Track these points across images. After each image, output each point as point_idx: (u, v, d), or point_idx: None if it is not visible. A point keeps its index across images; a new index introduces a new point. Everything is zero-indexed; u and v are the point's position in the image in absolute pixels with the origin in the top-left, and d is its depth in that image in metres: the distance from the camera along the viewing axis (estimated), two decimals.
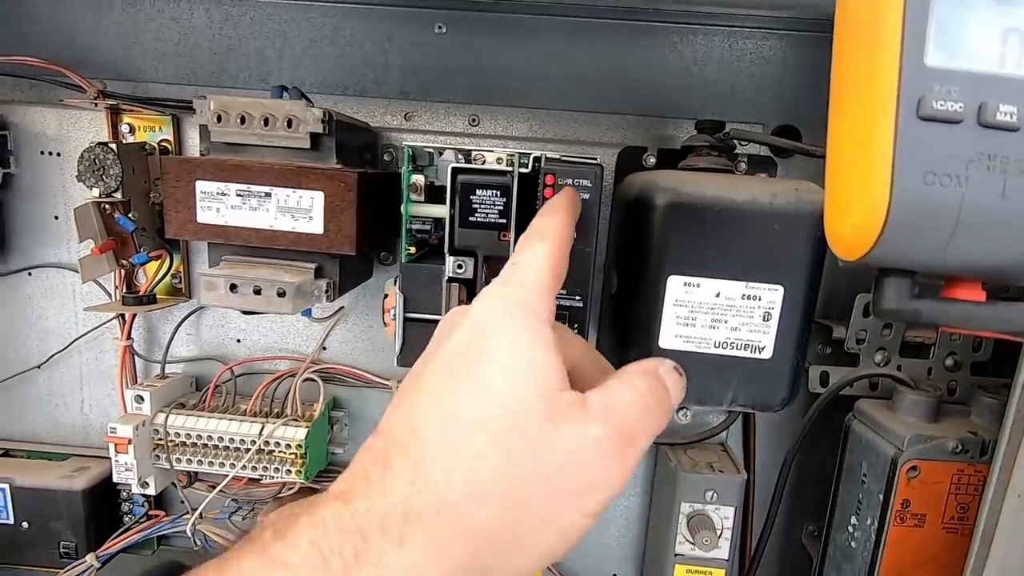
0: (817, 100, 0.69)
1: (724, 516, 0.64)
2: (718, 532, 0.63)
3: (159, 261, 0.67)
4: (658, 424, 0.25)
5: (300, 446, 0.64)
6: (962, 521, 0.55)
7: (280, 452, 0.65)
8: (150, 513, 0.73)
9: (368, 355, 0.72)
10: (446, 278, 0.46)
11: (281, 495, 0.71)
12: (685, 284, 0.50)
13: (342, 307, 0.70)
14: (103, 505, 0.71)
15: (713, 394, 0.52)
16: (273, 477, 0.65)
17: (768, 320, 0.50)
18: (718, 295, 0.50)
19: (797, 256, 0.49)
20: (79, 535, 0.70)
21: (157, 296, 0.68)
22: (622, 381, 0.25)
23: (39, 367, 0.74)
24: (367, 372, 0.71)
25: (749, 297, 0.50)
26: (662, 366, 0.27)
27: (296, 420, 0.66)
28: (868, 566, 0.58)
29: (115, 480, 0.64)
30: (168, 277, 0.69)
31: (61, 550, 0.70)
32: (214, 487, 0.72)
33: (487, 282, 0.47)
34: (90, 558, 0.64)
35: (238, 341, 0.73)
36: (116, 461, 0.64)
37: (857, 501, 0.60)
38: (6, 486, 0.69)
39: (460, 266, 0.46)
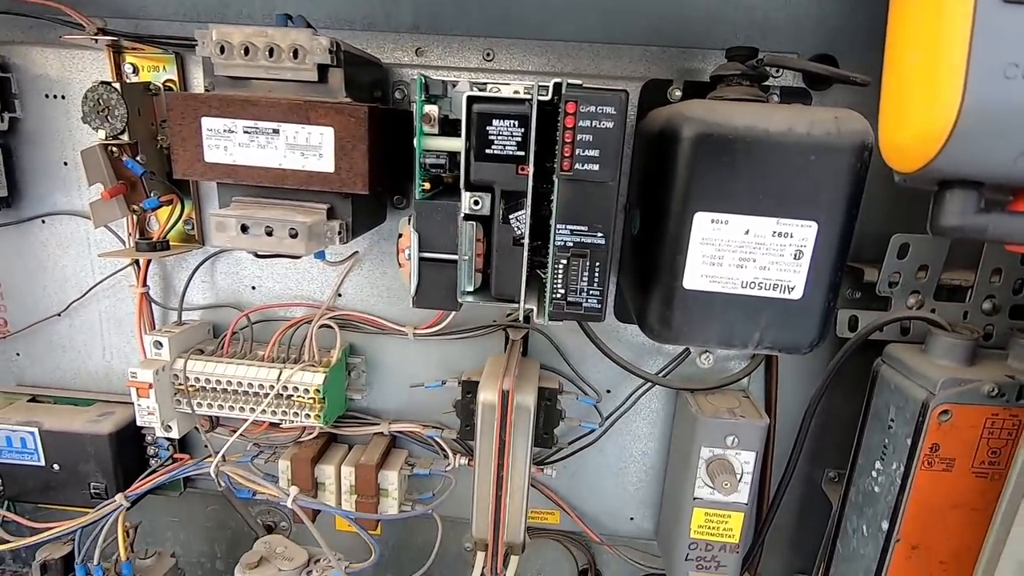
0: (854, 28, 0.64)
1: (744, 461, 0.63)
2: (738, 476, 0.62)
3: (171, 207, 0.66)
4: None
5: (318, 391, 0.64)
6: (993, 466, 0.54)
7: (298, 397, 0.65)
8: (175, 456, 0.74)
9: (384, 301, 0.71)
10: (462, 215, 0.45)
11: (301, 440, 0.72)
12: (712, 221, 0.47)
13: (356, 252, 0.69)
14: (129, 448, 0.73)
15: (739, 336, 0.50)
16: (292, 421, 0.66)
17: (799, 259, 0.48)
18: (747, 232, 0.47)
19: (834, 190, 0.46)
20: (108, 477, 0.71)
21: (170, 243, 0.67)
22: None
23: (59, 315, 0.74)
24: (383, 319, 0.71)
25: (780, 234, 0.47)
26: None
27: (313, 366, 0.66)
28: (891, 510, 0.57)
29: (139, 424, 0.65)
30: (180, 223, 0.68)
31: (92, 491, 0.72)
32: (235, 431, 0.74)
33: (504, 220, 0.45)
34: (119, 498, 0.66)
35: (253, 288, 0.72)
36: (139, 405, 0.65)
37: (883, 446, 0.59)
38: (35, 430, 0.70)
39: (476, 202, 0.44)
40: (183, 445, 0.77)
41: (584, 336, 0.65)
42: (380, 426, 0.73)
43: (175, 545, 0.90)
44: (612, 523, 0.77)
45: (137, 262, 0.68)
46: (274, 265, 0.71)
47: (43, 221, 0.72)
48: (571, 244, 0.44)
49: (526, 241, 0.44)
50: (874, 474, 0.60)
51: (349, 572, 0.64)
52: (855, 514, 0.64)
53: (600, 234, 0.44)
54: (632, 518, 0.77)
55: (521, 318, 0.47)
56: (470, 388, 0.63)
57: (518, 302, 0.47)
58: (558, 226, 0.44)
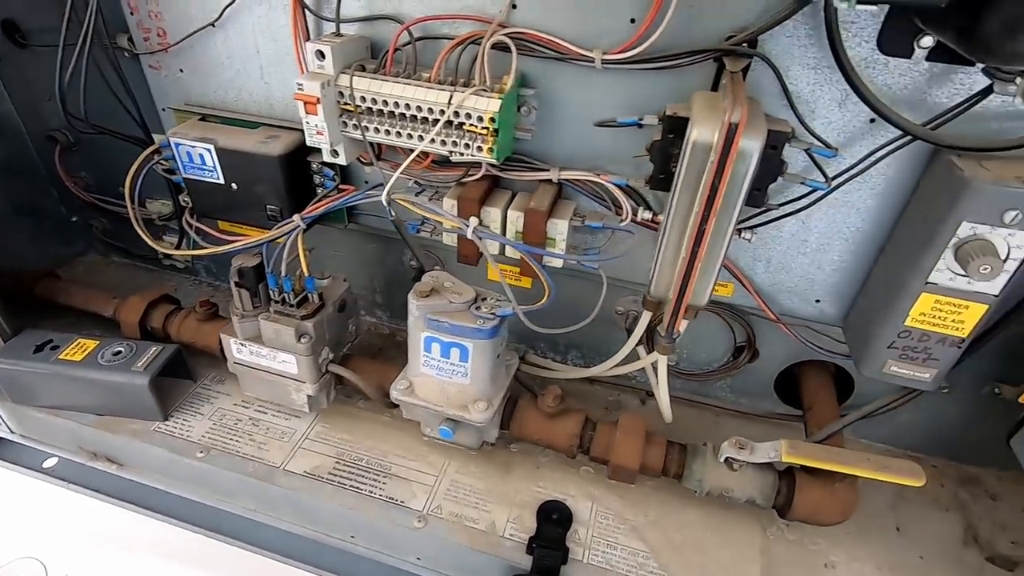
0: None
1: (1017, 245, 0.50)
2: (1003, 259, 0.50)
3: None
4: None
5: (493, 120, 0.56)
6: None
7: (471, 126, 0.58)
8: (340, 187, 0.73)
9: (571, 15, 0.58)
10: None
11: (464, 180, 0.67)
12: None
13: None
14: (297, 174, 0.72)
15: None
16: (463, 155, 0.59)
17: None
18: None
19: None
20: (281, 200, 0.72)
21: None
22: None
23: (214, 25, 0.69)
24: (566, 40, 0.58)
25: None
26: None
27: (486, 90, 0.57)
28: None
29: (308, 143, 0.63)
30: None
31: (268, 212, 0.74)
32: (398, 167, 0.70)
33: None
34: (296, 218, 0.67)
35: None
36: (307, 123, 0.61)
37: None
38: (211, 147, 0.70)
39: None
40: (345, 178, 0.75)
41: (817, 77, 0.50)
42: (550, 172, 0.66)
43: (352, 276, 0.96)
44: (793, 304, 0.69)
45: None
46: None
47: None
48: None
49: None
50: None
51: (522, 309, 0.63)
52: None
53: None
54: (819, 301, 0.68)
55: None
56: (675, 126, 0.52)
57: None
58: None
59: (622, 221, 0.65)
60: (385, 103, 0.59)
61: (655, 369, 0.71)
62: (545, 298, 0.62)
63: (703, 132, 0.47)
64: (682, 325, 0.68)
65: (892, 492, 0.78)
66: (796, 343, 0.72)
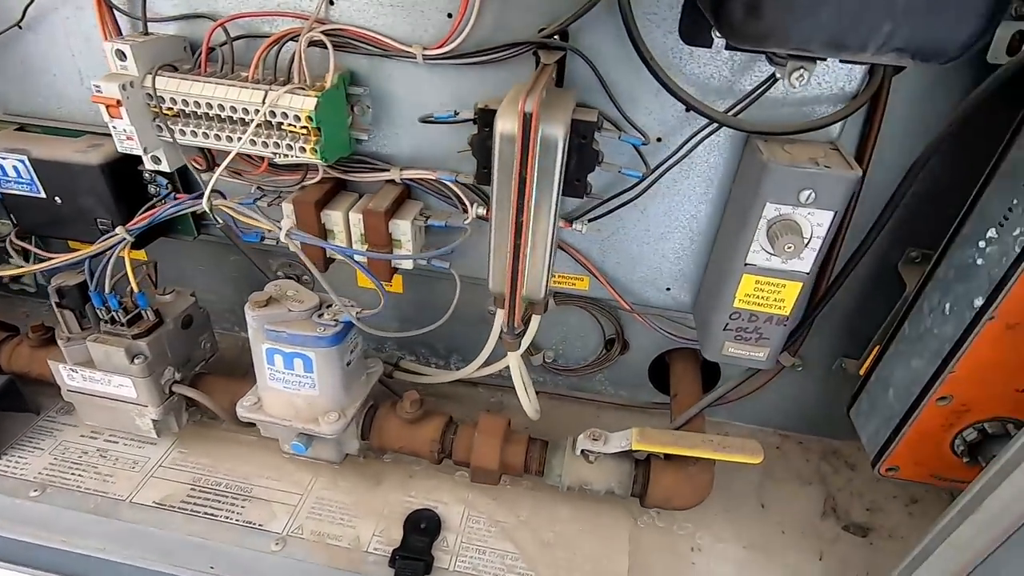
0: None
1: (817, 223, 0.52)
2: (805, 240, 0.52)
3: None
4: None
5: (310, 118, 0.54)
6: None
7: (289, 125, 0.55)
8: (178, 197, 0.69)
9: (388, 12, 0.57)
10: None
11: (305, 183, 0.64)
12: None
13: None
14: (127, 184, 0.68)
15: (862, 26, 0.35)
16: (286, 156, 0.57)
17: None
18: None
19: None
20: (111, 213, 0.68)
21: None
22: None
23: (20, 27, 0.64)
24: (386, 36, 0.57)
25: None
26: None
27: (303, 88, 0.55)
28: (994, 284, 0.46)
29: (119, 149, 0.59)
30: None
31: (99, 226, 0.69)
32: (238, 173, 0.67)
33: None
34: (120, 230, 0.62)
35: None
36: (113, 128, 0.57)
37: (1007, 208, 0.46)
38: (24, 157, 0.65)
39: None
40: (186, 187, 0.71)
41: (634, 68, 0.51)
42: (391, 172, 0.64)
43: (207, 293, 0.91)
44: (646, 293, 0.70)
45: None
46: None
47: None
48: None
49: None
50: (982, 244, 0.49)
51: (360, 317, 0.60)
52: (938, 292, 0.54)
53: None
54: (669, 288, 0.70)
55: None
56: (487, 119, 0.52)
57: None
58: None
59: (467, 220, 0.64)
60: (197, 104, 0.56)
61: (519, 368, 0.71)
62: (380, 303, 0.60)
63: (506, 123, 0.47)
64: (534, 321, 0.68)
65: (759, 472, 0.80)
66: (656, 332, 0.73)
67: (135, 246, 0.68)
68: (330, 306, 0.63)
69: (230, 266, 0.87)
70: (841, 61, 0.50)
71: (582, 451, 0.65)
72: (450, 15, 0.56)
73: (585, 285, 0.72)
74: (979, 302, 0.48)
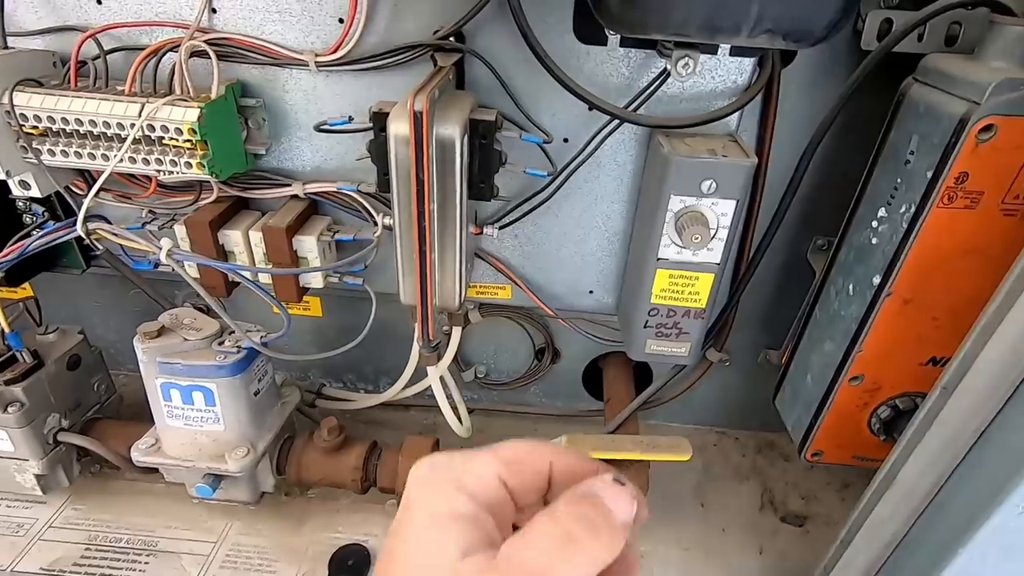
0: None
1: (722, 212, 0.52)
2: (712, 230, 0.52)
3: None
4: (590, 550, 0.21)
5: (193, 131, 0.50)
6: None
7: (171, 139, 0.51)
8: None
9: (274, 19, 0.54)
10: None
11: (199, 203, 0.60)
12: None
13: None
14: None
15: (731, 11, 0.36)
16: (171, 172, 0.53)
17: None
18: None
19: None
20: None
21: None
22: (542, 517, 0.22)
23: None
24: (274, 43, 0.54)
25: None
26: (598, 483, 0.23)
27: (185, 100, 0.51)
28: (888, 261, 0.48)
29: None
30: None
31: None
32: (126, 197, 0.62)
33: None
34: None
35: (99, 2, 0.55)
36: None
37: (893, 188, 0.48)
38: None
39: None
40: (69, 214, 0.65)
41: (536, 69, 0.50)
42: (293, 187, 0.61)
43: (107, 331, 0.84)
44: (569, 297, 0.69)
45: None
46: None
47: None
48: None
49: None
50: (875, 224, 0.50)
51: (264, 342, 0.56)
52: (842, 275, 0.55)
53: None
54: (591, 291, 0.69)
55: None
56: (382, 122, 0.50)
57: None
58: None
59: (376, 231, 0.61)
60: (65, 121, 0.51)
61: (446, 385, 0.68)
62: (283, 328, 0.56)
63: (398, 125, 0.45)
64: (455, 334, 0.65)
65: (698, 471, 0.80)
66: (584, 337, 0.72)
67: (10, 282, 0.62)
68: (232, 332, 0.59)
69: (130, 300, 0.80)
70: (724, 46, 0.50)
71: None
72: (341, 20, 0.54)
73: (508, 294, 0.70)
74: (877, 280, 0.49)
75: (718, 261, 0.55)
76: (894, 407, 0.55)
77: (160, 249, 0.51)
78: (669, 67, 0.45)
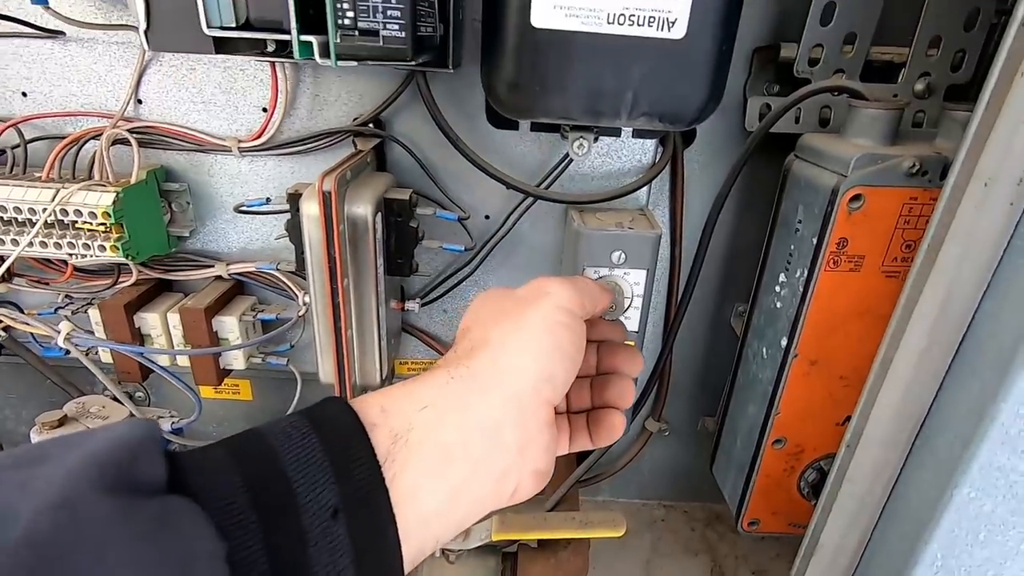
0: None
1: (635, 282, 0.54)
2: (627, 299, 0.54)
3: None
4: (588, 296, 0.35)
5: (108, 214, 0.51)
6: (906, 262, 0.46)
7: (85, 223, 0.51)
8: None
9: (198, 108, 0.56)
10: None
11: (117, 286, 0.59)
12: None
13: (133, 27, 0.52)
14: None
15: (607, 96, 0.39)
16: (85, 256, 0.52)
17: None
18: None
19: None
20: None
21: None
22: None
23: None
24: (199, 131, 0.56)
25: None
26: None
27: (103, 185, 0.52)
28: (791, 323, 0.50)
29: None
30: None
31: None
32: (43, 282, 0.60)
33: None
34: None
35: (23, 95, 0.56)
36: None
37: (788, 254, 0.51)
38: None
39: None
40: None
41: (455, 151, 0.53)
42: (216, 268, 0.61)
43: (18, 424, 0.79)
44: None
45: None
46: (46, 60, 0.55)
47: None
48: None
49: None
50: (777, 288, 0.52)
51: (175, 427, 0.54)
52: (756, 338, 0.57)
53: None
54: None
55: (296, 54, 0.33)
56: (297, 203, 0.51)
57: (289, 32, 0.33)
58: None
59: (300, 310, 0.61)
60: None
61: None
62: (194, 413, 0.54)
63: (309, 205, 0.46)
64: None
65: (647, 548, 0.77)
66: None
67: None
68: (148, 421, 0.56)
69: (49, 390, 0.76)
70: (627, 129, 0.54)
71: (442, 550, 0.59)
72: (264, 109, 0.56)
73: None
74: (784, 342, 0.51)
75: (636, 329, 0.56)
76: (819, 470, 0.56)
77: (58, 333, 0.49)
78: (567, 148, 0.48)
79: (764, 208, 0.57)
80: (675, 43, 0.37)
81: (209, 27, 0.33)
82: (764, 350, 0.55)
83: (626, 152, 0.57)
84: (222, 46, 0.36)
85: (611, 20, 0.36)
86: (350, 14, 0.32)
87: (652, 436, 0.74)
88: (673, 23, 0.36)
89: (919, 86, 0.51)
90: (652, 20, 0.36)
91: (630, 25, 0.36)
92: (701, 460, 0.81)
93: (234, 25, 0.34)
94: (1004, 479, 0.34)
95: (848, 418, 0.52)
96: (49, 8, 0.49)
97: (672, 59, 0.37)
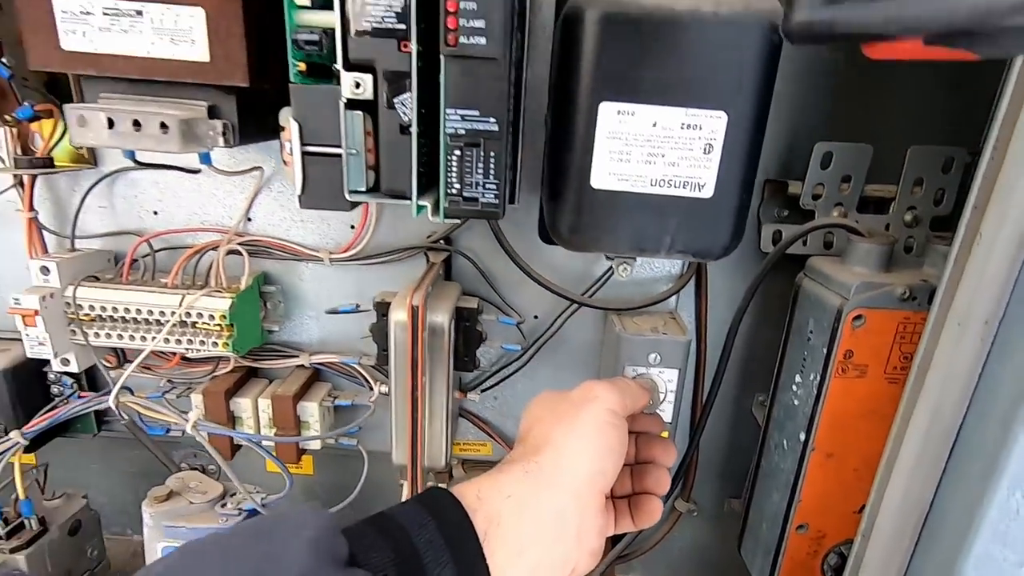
0: None
1: (668, 379, 0.62)
2: (662, 395, 0.62)
3: (52, 121, 0.60)
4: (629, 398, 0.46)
5: (224, 316, 0.60)
6: (904, 371, 0.54)
7: (204, 324, 0.61)
8: (81, 395, 0.70)
9: (297, 225, 0.67)
10: (343, 101, 0.41)
11: (216, 374, 0.68)
12: (619, 112, 0.45)
13: (259, 168, 0.64)
14: (29, 386, 0.68)
15: (650, 239, 0.48)
16: (199, 351, 0.62)
17: (709, 153, 0.46)
18: (655, 125, 0.45)
19: (743, 76, 0.43)
20: (7, 417, 0.67)
21: (55, 160, 0.62)
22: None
23: None
24: (296, 244, 0.67)
25: (689, 127, 0.45)
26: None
27: (220, 291, 0.62)
28: (808, 420, 0.57)
29: (28, 355, 0.61)
30: (67, 141, 0.63)
31: None
32: (149, 368, 0.70)
33: (389, 105, 0.41)
34: (15, 434, 0.62)
35: (155, 213, 0.68)
36: (26, 335, 0.60)
37: (802, 359, 0.59)
38: None
39: (358, 84, 0.40)
40: (93, 385, 0.72)
41: (511, 262, 0.63)
42: (300, 358, 0.70)
43: (100, 494, 0.86)
44: None
45: (21, 183, 0.63)
46: (176, 187, 0.66)
47: None
48: (463, 131, 0.41)
49: (414, 128, 0.41)
50: (794, 388, 0.60)
51: (264, 503, 0.61)
52: (777, 430, 0.64)
53: (492, 119, 0.41)
54: None
55: (414, 213, 0.44)
56: (384, 309, 0.60)
57: (410, 198, 0.43)
58: (447, 111, 0.41)
59: (372, 397, 0.69)
60: (115, 309, 0.61)
61: None
62: (286, 488, 0.62)
63: (398, 313, 0.56)
64: None
65: None
66: None
67: (28, 449, 0.67)
68: (234, 495, 0.63)
69: (125, 462, 0.84)
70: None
71: None
72: (352, 226, 0.67)
73: (488, 450, 0.77)
74: (802, 436, 0.58)
75: (669, 420, 0.64)
76: (840, 554, 0.61)
77: (187, 421, 0.58)
78: (613, 268, 0.58)
79: (775, 311, 0.65)
80: (704, 201, 0.47)
81: (350, 193, 0.44)
82: (785, 442, 0.62)
83: (658, 264, 0.67)
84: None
85: (653, 184, 0.46)
86: (457, 186, 0.43)
87: (681, 516, 0.80)
88: (703, 186, 0.47)
89: (908, 217, 0.61)
90: (686, 184, 0.46)
91: (669, 188, 0.47)
92: (727, 540, 0.85)
93: (364, 190, 0.44)
94: (996, 569, 0.41)
95: (863, 507, 0.59)
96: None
97: (702, 213, 0.47)
